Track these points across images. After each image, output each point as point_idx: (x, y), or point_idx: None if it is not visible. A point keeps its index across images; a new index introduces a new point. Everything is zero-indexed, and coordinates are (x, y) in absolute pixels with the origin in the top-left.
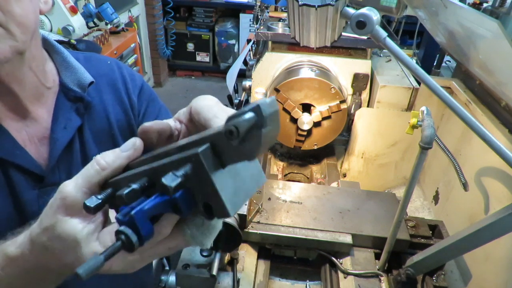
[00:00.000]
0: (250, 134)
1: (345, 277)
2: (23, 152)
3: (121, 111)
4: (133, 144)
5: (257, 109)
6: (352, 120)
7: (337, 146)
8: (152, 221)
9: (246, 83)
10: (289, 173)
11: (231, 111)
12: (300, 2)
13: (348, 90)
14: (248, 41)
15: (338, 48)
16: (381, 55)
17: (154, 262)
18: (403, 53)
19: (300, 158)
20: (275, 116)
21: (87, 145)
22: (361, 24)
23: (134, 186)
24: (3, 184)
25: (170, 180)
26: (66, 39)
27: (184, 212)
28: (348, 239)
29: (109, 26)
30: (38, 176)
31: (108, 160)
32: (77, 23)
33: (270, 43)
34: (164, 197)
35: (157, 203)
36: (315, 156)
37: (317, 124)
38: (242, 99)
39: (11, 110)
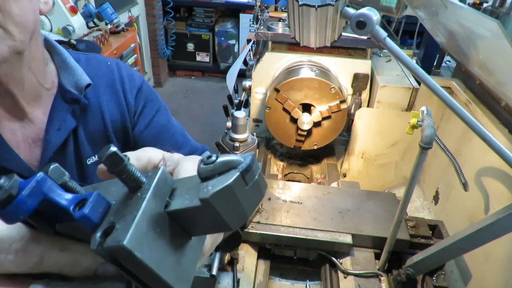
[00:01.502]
0: (223, 173)
1: (345, 277)
2: (13, 155)
3: (117, 112)
4: None
5: (250, 157)
6: (352, 120)
7: (337, 146)
8: (40, 218)
9: (246, 83)
10: (289, 173)
11: None
12: (300, 2)
13: (348, 90)
14: (248, 41)
15: (338, 48)
16: (381, 55)
17: None
18: (403, 53)
19: (300, 158)
20: (257, 186)
21: (81, 147)
22: (361, 24)
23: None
24: None
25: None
26: (66, 39)
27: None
28: (348, 239)
29: (109, 26)
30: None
31: None
32: (77, 23)
33: (270, 43)
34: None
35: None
36: (315, 156)
37: (317, 124)
38: (242, 99)
39: (8, 111)
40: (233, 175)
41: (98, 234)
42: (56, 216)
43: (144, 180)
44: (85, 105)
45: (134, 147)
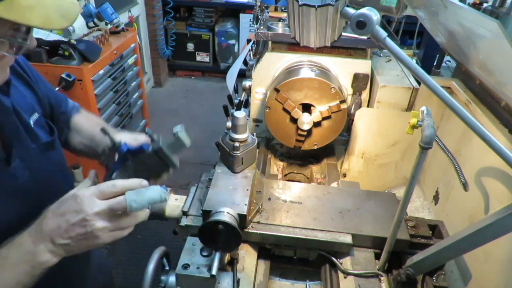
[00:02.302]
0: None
1: (345, 277)
2: None
3: (27, 87)
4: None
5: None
6: (352, 120)
7: (337, 146)
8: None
9: (246, 83)
10: (289, 173)
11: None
12: (300, 2)
13: (348, 90)
14: (248, 41)
15: (338, 48)
16: (381, 55)
17: (152, 265)
18: (403, 53)
19: (300, 158)
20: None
21: (22, 115)
22: (361, 24)
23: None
24: None
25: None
26: (66, 39)
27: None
28: (348, 239)
29: (109, 26)
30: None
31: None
32: (77, 23)
33: (270, 43)
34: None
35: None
36: (315, 156)
37: (317, 124)
38: (242, 99)
39: None
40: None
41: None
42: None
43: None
44: (9, 80)
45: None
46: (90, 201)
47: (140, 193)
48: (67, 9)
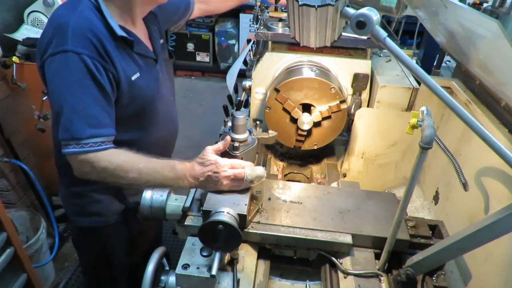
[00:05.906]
0: None
1: (345, 277)
2: (149, 49)
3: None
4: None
5: None
6: (352, 120)
7: (337, 146)
8: None
9: (246, 83)
10: (289, 173)
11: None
12: (300, 2)
13: (348, 90)
14: (248, 41)
15: (338, 48)
16: (381, 55)
17: (152, 265)
18: (403, 53)
19: (300, 158)
20: None
21: (160, 43)
22: (361, 24)
23: None
24: (143, 64)
25: None
26: None
27: None
28: (348, 239)
29: None
30: (154, 59)
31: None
32: None
33: (270, 43)
34: None
35: None
36: (315, 156)
37: (317, 124)
38: (242, 99)
39: (142, 29)
40: None
41: None
42: None
43: None
44: (156, 15)
45: None
46: (224, 168)
47: (253, 169)
48: None
